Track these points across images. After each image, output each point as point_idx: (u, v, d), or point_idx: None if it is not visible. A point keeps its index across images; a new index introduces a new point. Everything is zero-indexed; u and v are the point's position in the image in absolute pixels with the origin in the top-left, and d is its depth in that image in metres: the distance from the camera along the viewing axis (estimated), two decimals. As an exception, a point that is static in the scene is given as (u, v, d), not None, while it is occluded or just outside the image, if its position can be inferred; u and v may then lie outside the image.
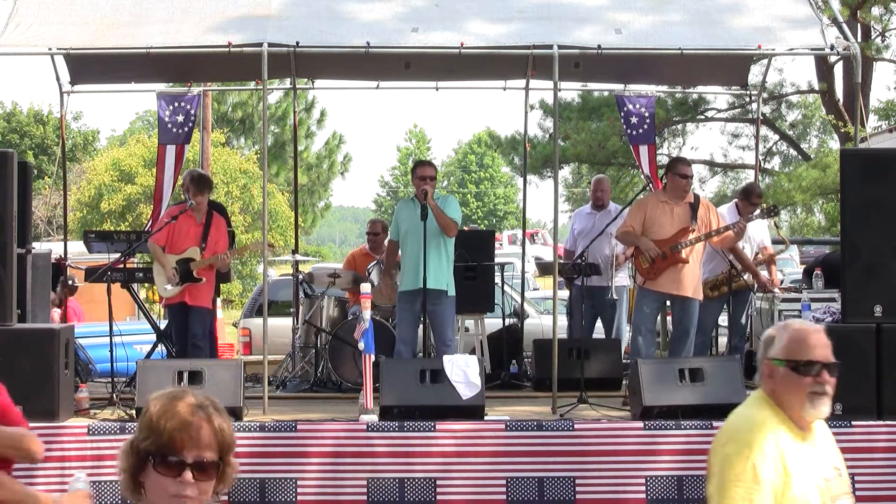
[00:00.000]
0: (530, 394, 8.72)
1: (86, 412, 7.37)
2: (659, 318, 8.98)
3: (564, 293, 10.44)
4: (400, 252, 8.31)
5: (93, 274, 8.82)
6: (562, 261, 9.74)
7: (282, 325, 10.80)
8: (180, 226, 8.53)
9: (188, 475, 2.39)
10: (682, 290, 8.19)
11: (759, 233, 9.55)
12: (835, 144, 22.72)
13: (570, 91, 20.94)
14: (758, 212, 9.30)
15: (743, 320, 9.44)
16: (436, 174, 8.31)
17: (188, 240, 8.55)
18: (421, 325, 8.27)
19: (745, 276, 9.28)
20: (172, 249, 8.55)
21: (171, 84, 12.67)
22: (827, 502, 3.09)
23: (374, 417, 6.96)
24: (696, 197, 8.44)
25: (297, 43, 7.72)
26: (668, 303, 8.60)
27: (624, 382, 8.32)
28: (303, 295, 9.81)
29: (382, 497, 6.75)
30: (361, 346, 7.17)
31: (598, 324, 9.78)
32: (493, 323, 10.12)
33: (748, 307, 9.50)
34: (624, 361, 9.02)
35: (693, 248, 8.18)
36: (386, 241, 9.14)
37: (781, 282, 12.98)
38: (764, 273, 9.74)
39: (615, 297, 9.13)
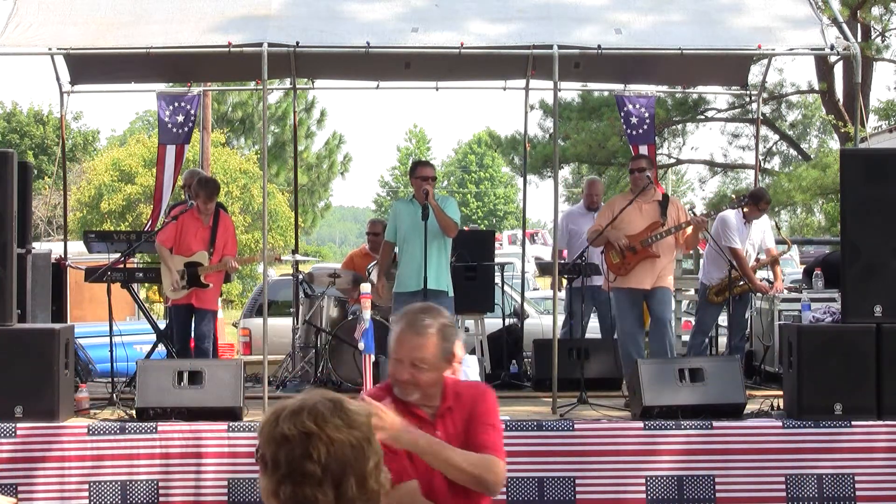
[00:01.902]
0: (530, 394, 8.72)
1: (86, 412, 7.37)
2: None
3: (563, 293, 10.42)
4: (397, 252, 8.30)
5: (93, 274, 8.82)
6: (561, 261, 9.76)
7: (282, 325, 10.80)
8: (187, 227, 8.51)
9: None
10: (654, 282, 8.20)
11: (761, 234, 9.54)
12: (835, 144, 22.71)
13: (570, 91, 20.92)
14: (766, 222, 9.33)
15: (743, 320, 9.44)
16: (435, 175, 8.31)
17: (196, 243, 8.53)
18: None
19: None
20: (179, 251, 8.54)
21: (171, 84, 12.67)
22: None
23: (374, 417, 6.95)
24: (666, 196, 8.48)
25: (297, 43, 7.72)
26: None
27: (624, 382, 8.33)
28: (303, 295, 9.81)
29: (382, 497, 6.74)
30: (361, 346, 7.16)
31: (593, 323, 9.79)
32: (493, 323, 10.12)
33: (748, 307, 9.51)
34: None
35: (664, 243, 8.20)
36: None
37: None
38: (769, 274, 9.74)
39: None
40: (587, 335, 9.49)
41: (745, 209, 9.39)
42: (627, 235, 8.17)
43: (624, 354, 8.19)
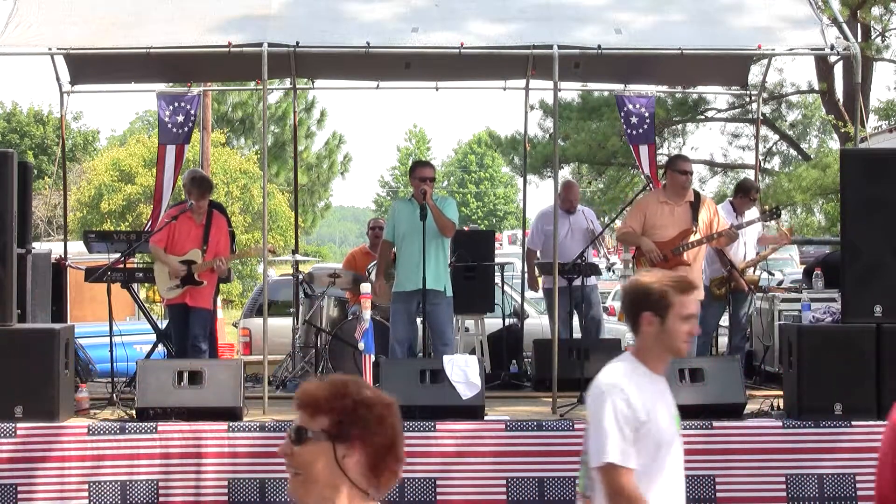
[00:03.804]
0: (530, 394, 8.72)
1: (86, 412, 7.37)
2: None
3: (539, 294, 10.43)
4: (395, 252, 8.30)
5: (93, 274, 8.82)
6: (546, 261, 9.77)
7: (282, 325, 10.80)
8: (180, 227, 8.51)
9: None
10: None
11: (753, 229, 9.50)
12: (835, 144, 22.72)
13: (570, 91, 20.96)
14: (756, 214, 9.34)
15: (744, 320, 9.44)
16: (434, 175, 8.31)
17: (189, 241, 8.53)
18: (420, 325, 8.26)
19: (752, 271, 9.29)
20: (173, 251, 8.53)
21: (171, 84, 12.67)
22: None
23: (374, 417, 6.95)
24: (697, 195, 8.39)
25: (297, 43, 7.72)
26: None
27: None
28: (303, 295, 9.81)
29: (382, 497, 6.74)
30: (361, 346, 7.17)
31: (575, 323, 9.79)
32: (493, 323, 10.12)
33: (748, 307, 9.49)
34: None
35: (695, 250, 8.16)
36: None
37: (781, 282, 12.99)
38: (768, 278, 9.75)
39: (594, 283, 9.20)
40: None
41: (735, 201, 9.45)
42: (658, 242, 8.12)
43: None
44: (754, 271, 9.59)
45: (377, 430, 2.27)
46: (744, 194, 9.45)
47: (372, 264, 9.27)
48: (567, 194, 9.88)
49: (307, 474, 2.26)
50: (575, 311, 9.40)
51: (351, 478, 2.24)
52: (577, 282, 8.91)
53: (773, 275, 9.85)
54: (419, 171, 8.20)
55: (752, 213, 9.55)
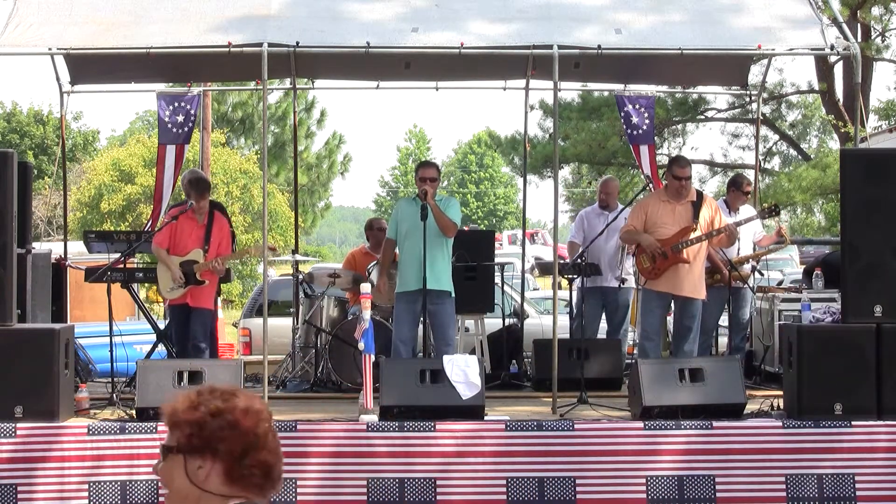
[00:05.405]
0: (530, 394, 8.72)
1: (86, 412, 7.37)
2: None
3: (565, 293, 10.38)
4: (398, 251, 8.31)
5: (93, 274, 8.82)
6: (563, 261, 9.73)
7: (282, 325, 10.80)
8: (182, 227, 8.52)
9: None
10: (684, 290, 8.19)
11: (750, 227, 9.49)
12: (835, 144, 22.71)
13: (570, 91, 20.93)
14: (751, 208, 9.35)
15: (744, 320, 9.43)
16: (438, 175, 8.31)
17: (191, 242, 8.54)
18: (421, 325, 8.26)
19: (743, 267, 9.28)
20: (175, 251, 8.54)
21: (171, 84, 12.67)
22: None
23: (374, 417, 6.96)
24: (700, 194, 8.41)
25: (297, 43, 7.72)
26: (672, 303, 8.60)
27: (624, 382, 8.32)
28: (303, 295, 9.81)
29: (382, 497, 6.75)
30: (361, 346, 7.17)
31: (601, 324, 9.80)
32: (493, 323, 10.12)
33: (749, 306, 9.49)
34: (625, 361, 9.03)
35: (696, 248, 8.17)
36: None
37: (781, 282, 13.00)
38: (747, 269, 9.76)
39: (632, 285, 9.24)
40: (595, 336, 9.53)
41: (728, 197, 9.47)
42: (659, 240, 8.13)
43: (640, 352, 8.21)
44: (753, 270, 9.57)
45: (228, 437, 2.30)
46: (736, 188, 9.48)
47: (372, 264, 9.27)
48: (603, 190, 9.93)
49: (170, 489, 2.34)
50: (603, 313, 9.53)
51: (205, 489, 2.29)
52: (611, 283, 9.22)
53: (762, 275, 9.82)
54: (421, 171, 8.22)
55: (747, 208, 9.56)
